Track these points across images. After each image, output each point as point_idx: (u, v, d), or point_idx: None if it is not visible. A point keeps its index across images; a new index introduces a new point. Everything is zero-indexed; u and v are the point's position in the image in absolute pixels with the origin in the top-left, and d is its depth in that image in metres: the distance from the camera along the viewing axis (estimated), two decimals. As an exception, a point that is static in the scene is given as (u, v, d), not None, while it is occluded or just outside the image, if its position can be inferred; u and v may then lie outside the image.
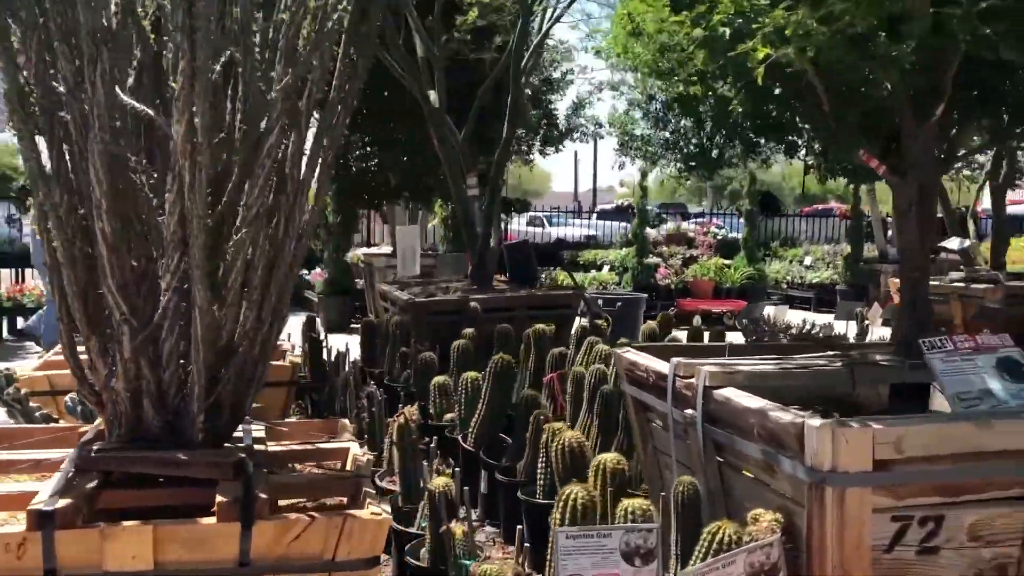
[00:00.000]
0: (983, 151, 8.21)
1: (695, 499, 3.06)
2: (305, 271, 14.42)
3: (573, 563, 2.71)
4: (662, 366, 3.33)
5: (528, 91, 14.94)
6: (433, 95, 8.45)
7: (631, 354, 3.65)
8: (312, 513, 2.07)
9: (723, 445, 2.98)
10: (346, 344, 6.85)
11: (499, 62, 9.02)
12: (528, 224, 26.64)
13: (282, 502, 2.38)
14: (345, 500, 2.36)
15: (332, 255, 12.45)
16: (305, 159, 2.43)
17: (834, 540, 2.53)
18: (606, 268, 15.37)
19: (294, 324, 7.29)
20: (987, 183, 10.41)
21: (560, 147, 21.33)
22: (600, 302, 9.51)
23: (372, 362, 7.74)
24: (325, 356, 6.90)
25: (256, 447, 2.49)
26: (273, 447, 2.66)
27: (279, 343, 4.72)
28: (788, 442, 2.59)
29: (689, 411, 3.11)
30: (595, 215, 30.05)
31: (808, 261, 17.15)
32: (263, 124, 2.26)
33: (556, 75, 16.54)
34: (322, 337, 7.03)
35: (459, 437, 5.39)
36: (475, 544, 3.33)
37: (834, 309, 12.83)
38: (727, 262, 14.63)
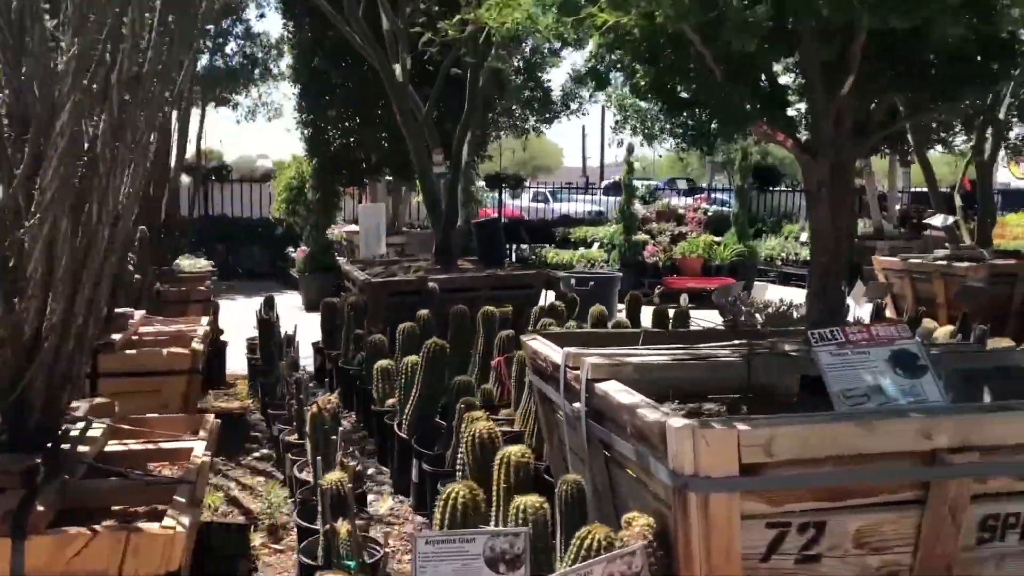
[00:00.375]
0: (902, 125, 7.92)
1: (580, 498, 2.88)
2: (291, 249, 14.29)
3: (433, 570, 2.55)
4: (558, 356, 3.15)
5: (518, 63, 14.69)
6: (398, 69, 8.23)
7: (534, 342, 3.46)
8: (95, 527, 1.91)
9: (606, 442, 2.80)
10: (295, 326, 6.69)
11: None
12: (533, 200, 26.36)
13: (114, 508, 2.23)
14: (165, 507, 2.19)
15: (312, 232, 12.28)
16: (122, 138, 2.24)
17: (701, 548, 2.35)
18: (596, 246, 15.14)
19: (280, 303, 7.18)
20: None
21: (557, 120, 21.06)
22: (573, 281, 9.31)
23: (332, 344, 7.59)
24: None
25: (85, 448, 2.33)
26: (114, 447, 2.50)
27: (193, 328, 4.57)
28: (655, 442, 2.41)
29: (576, 404, 2.93)
30: (601, 191, 29.64)
31: (804, 237, 16.84)
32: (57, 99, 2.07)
33: (546, 48, 16.22)
34: (274, 318, 6.88)
35: (395, 424, 5.23)
36: (360, 544, 3.17)
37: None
38: (717, 239, 14.37)
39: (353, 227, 14.03)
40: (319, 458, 3.79)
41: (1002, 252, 9.72)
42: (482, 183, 18.07)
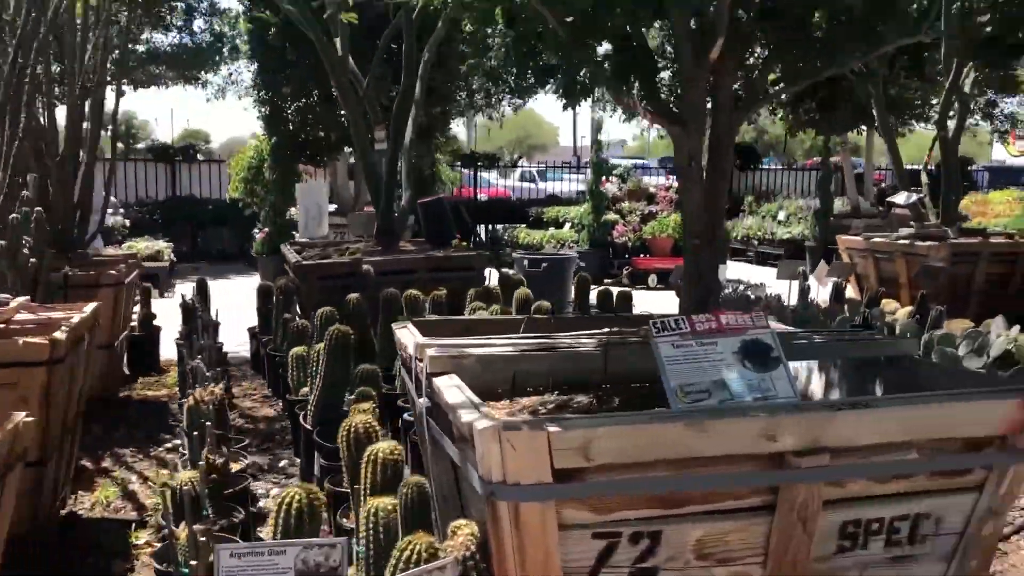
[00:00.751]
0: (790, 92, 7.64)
1: (422, 501, 2.65)
2: (257, 230, 14.02)
3: (238, 585, 2.32)
4: (413, 347, 2.91)
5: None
6: (338, 43, 7.94)
7: (403, 330, 3.21)
8: None
9: (441, 442, 2.56)
10: (216, 310, 6.45)
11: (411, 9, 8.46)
12: (520, 179, 26.04)
13: None
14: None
15: (270, 213, 12.02)
16: None
17: (516, 562, 2.12)
18: (568, 226, 14.88)
19: (241, 285, 6.98)
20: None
21: (532, 97, 20.71)
22: (526, 263, 9.07)
23: (267, 329, 7.35)
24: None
25: None
26: None
27: (70, 316, 4.31)
28: (472, 444, 2.17)
29: (421, 400, 2.69)
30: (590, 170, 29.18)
31: (782, 216, 16.60)
32: None
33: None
34: (196, 304, 6.62)
35: (302, 415, 5.01)
36: (200, 548, 2.94)
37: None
38: (689, 218, 14.10)
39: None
40: (187, 454, 3.56)
41: (968, 231, 9.45)
42: (450, 164, 17.74)
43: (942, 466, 2.27)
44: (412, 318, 3.67)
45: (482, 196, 22.56)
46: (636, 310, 7.71)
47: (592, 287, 7.69)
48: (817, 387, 3.17)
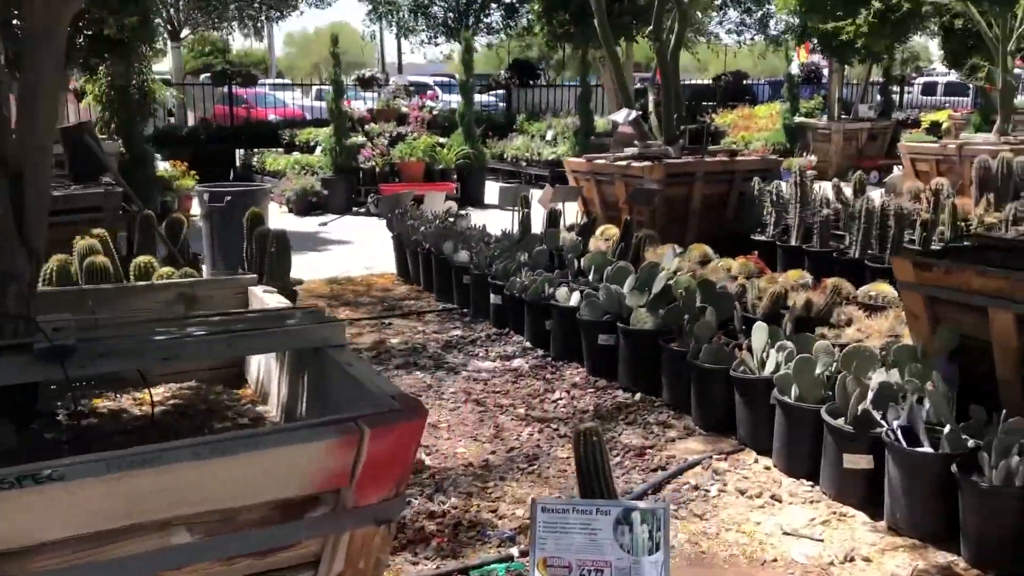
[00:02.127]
0: None
1: None
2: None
3: None
4: None
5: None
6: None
7: None
8: None
9: None
10: None
11: None
12: (316, 99, 24.26)
13: None
14: None
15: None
16: None
17: None
18: (319, 150, 13.71)
19: None
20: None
21: (293, 11, 19.11)
22: (207, 197, 7.95)
23: None
24: None
25: None
26: None
27: None
28: None
29: None
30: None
31: (549, 136, 16.06)
32: None
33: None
34: None
35: None
36: None
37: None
38: (442, 140, 13.25)
39: None
40: None
41: (692, 149, 9.06)
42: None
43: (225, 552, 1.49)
44: None
45: (273, 116, 20.77)
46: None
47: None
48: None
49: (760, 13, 22.34)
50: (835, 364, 4.01)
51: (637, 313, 5.07)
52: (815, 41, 16.39)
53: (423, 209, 8.31)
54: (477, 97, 22.98)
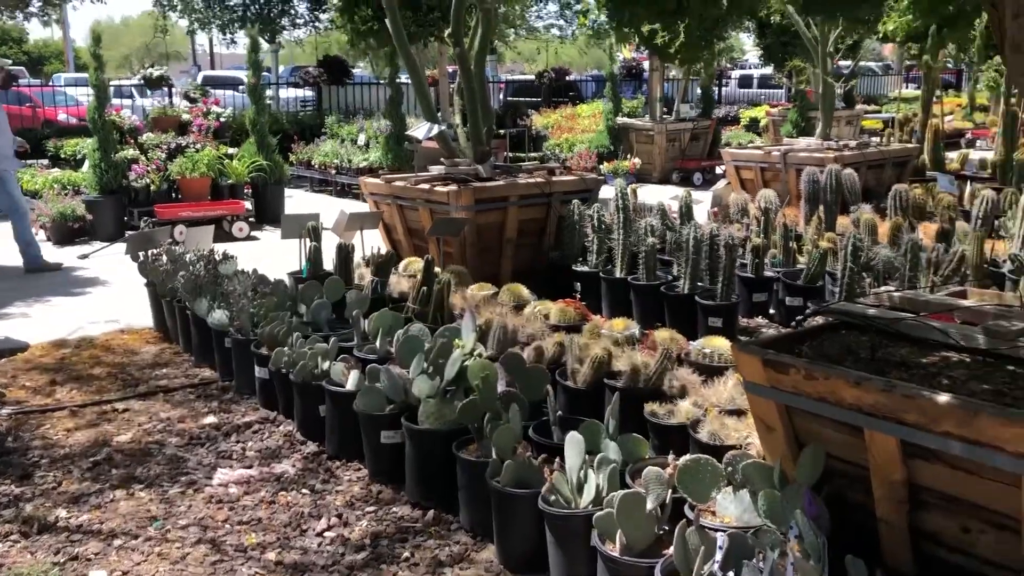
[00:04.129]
0: None
1: None
2: None
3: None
4: None
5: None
6: None
7: None
8: None
9: None
10: None
11: None
12: (117, 96, 21.57)
13: None
14: None
15: None
16: None
17: None
18: (87, 165, 11.83)
19: None
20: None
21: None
22: None
23: None
24: None
25: None
26: None
27: None
28: None
29: None
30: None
31: (361, 140, 14.75)
32: None
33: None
34: None
35: None
36: None
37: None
38: (232, 151, 11.72)
39: None
40: None
41: (505, 168, 8.06)
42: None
43: None
44: None
45: (65, 116, 18.10)
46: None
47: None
48: None
49: (580, 5, 21.73)
50: (669, 492, 3.07)
51: (427, 405, 3.97)
52: (635, 39, 15.87)
53: (184, 247, 6.88)
54: (297, 93, 21.20)
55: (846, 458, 2.77)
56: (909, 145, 11.77)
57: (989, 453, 2.31)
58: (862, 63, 23.84)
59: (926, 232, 7.20)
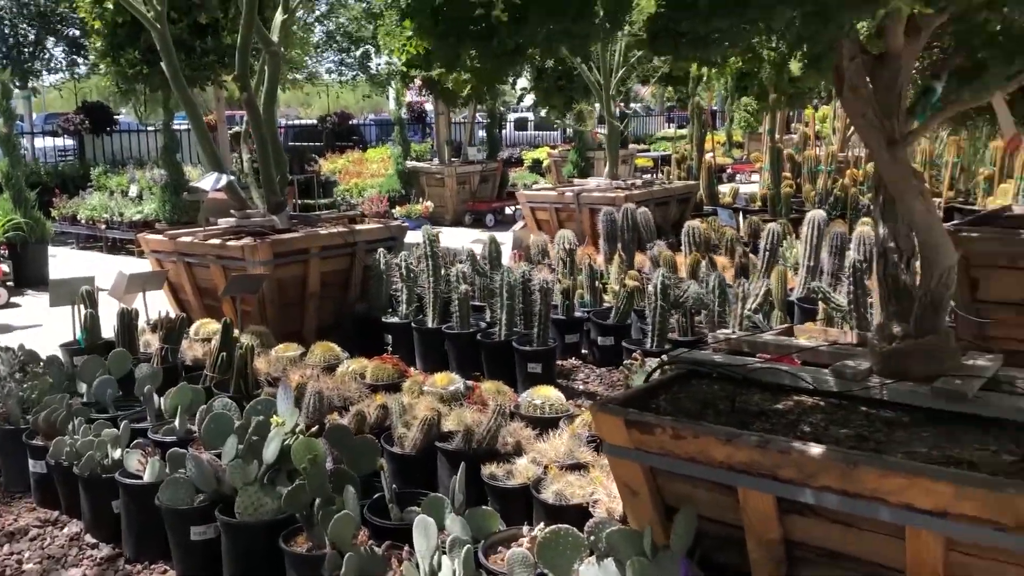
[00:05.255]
0: None
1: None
2: None
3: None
4: None
5: None
6: None
7: None
8: None
9: None
10: None
11: None
12: None
13: None
14: None
15: None
16: None
17: None
18: None
19: None
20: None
21: None
22: None
23: None
24: None
25: None
26: None
27: None
28: None
29: None
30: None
31: (134, 191, 13.67)
32: None
33: None
34: None
35: None
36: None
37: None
38: (-20, 209, 10.43)
39: None
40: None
41: (303, 217, 7.63)
42: None
43: None
44: None
45: None
46: None
47: None
48: None
49: (359, 52, 21.48)
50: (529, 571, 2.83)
51: (245, 494, 3.51)
52: (418, 83, 15.84)
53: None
54: (55, 142, 19.42)
55: (717, 518, 2.65)
56: (691, 182, 12.38)
57: (872, 505, 2.24)
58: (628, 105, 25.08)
59: (721, 265, 7.50)
